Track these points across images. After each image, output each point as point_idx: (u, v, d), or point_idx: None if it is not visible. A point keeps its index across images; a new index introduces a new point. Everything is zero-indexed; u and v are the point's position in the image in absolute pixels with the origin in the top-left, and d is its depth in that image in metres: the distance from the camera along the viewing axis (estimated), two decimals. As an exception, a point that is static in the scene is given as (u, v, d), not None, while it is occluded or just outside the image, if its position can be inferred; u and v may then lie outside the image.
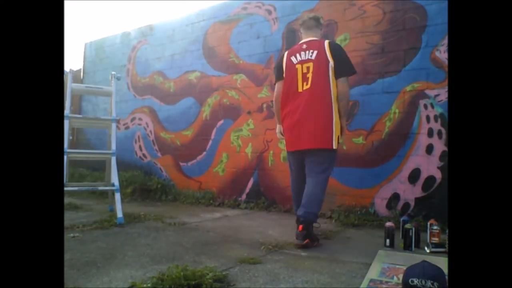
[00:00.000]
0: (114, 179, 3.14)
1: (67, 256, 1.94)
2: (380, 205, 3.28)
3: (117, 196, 3.03)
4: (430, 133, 3.11)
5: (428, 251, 2.24)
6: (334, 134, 2.41)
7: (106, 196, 4.55)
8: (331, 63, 2.43)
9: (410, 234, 2.27)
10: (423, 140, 3.14)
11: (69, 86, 3.24)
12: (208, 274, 1.59)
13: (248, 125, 4.23)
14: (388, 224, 2.39)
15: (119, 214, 2.92)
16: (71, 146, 6.33)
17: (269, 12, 4.19)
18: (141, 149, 5.34)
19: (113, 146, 3.23)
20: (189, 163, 4.76)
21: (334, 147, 2.42)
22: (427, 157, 3.11)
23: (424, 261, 1.51)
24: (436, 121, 3.10)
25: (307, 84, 2.46)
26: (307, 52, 2.51)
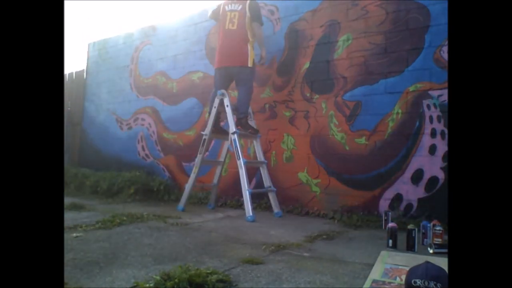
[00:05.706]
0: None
1: (70, 255, 1.94)
2: (383, 206, 3.27)
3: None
4: (433, 134, 3.10)
5: (431, 251, 2.23)
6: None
7: (108, 195, 4.57)
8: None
9: (413, 234, 2.27)
10: (426, 140, 3.13)
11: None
12: (210, 274, 1.58)
13: (251, 125, 4.22)
14: (391, 224, 2.38)
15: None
16: (72, 148, 6.37)
17: (272, 13, 4.19)
18: (144, 149, 5.36)
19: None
20: (192, 163, 4.75)
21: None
22: (430, 157, 3.09)
23: (427, 262, 1.50)
24: (439, 121, 3.08)
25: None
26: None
